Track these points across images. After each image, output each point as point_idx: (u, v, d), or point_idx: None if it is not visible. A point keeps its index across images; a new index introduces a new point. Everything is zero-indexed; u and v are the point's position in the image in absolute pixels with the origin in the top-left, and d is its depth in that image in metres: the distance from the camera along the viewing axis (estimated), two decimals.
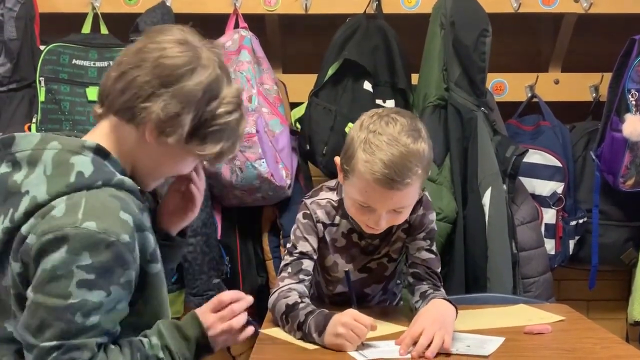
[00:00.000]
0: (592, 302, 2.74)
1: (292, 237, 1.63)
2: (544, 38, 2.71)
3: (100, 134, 1.20)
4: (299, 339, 1.44)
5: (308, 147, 2.37)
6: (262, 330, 1.50)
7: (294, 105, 2.52)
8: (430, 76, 2.37)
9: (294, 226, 1.64)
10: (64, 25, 2.44)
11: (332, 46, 2.39)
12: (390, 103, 2.38)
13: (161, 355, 1.17)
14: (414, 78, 2.44)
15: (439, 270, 1.65)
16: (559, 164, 2.44)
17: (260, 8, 2.49)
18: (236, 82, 1.25)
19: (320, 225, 1.62)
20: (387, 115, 1.48)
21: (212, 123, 1.19)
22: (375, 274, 1.69)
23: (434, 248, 1.64)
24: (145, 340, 1.18)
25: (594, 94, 2.61)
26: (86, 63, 2.32)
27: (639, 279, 2.55)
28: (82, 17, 2.42)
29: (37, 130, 2.27)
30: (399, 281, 1.80)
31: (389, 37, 2.39)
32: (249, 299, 1.26)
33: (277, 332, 1.48)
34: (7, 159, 1.15)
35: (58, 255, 1.06)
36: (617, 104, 2.40)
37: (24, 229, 1.09)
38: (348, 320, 1.37)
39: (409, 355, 1.33)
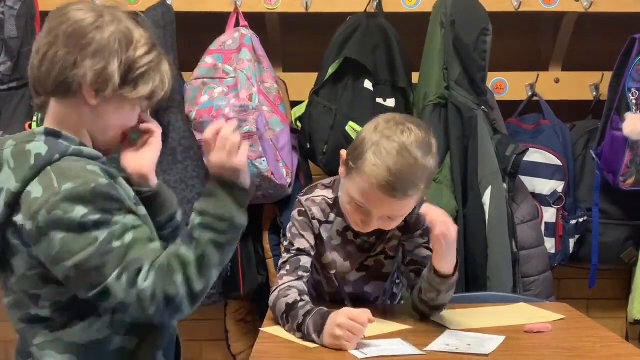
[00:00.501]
0: (592, 301, 2.74)
1: (288, 234, 1.64)
2: (545, 37, 2.71)
3: (48, 119, 1.27)
4: (299, 338, 1.45)
5: (308, 146, 2.37)
6: (262, 329, 1.50)
7: (294, 104, 2.52)
8: (430, 75, 2.37)
9: (290, 224, 1.65)
10: None
11: (333, 45, 2.39)
12: (391, 102, 2.38)
13: (198, 220, 1.19)
14: (415, 77, 2.44)
15: None
16: (559, 162, 2.44)
17: (261, 6, 2.49)
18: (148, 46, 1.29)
19: (315, 222, 1.63)
20: (404, 123, 1.49)
21: (137, 66, 1.25)
22: (373, 272, 1.69)
23: (430, 245, 1.64)
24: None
25: (595, 93, 2.61)
26: None
27: (639, 278, 2.56)
28: None
29: None
30: (398, 280, 1.80)
31: (389, 36, 2.39)
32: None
33: (278, 331, 1.48)
34: None
35: (61, 222, 1.13)
36: (618, 102, 2.40)
37: (17, 220, 1.17)
38: (343, 321, 1.38)
39: (411, 353, 1.33)
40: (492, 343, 1.38)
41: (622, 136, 2.34)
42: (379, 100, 2.37)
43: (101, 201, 1.15)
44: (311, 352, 1.36)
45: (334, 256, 1.66)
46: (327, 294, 1.73)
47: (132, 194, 1.26)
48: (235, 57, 2.32)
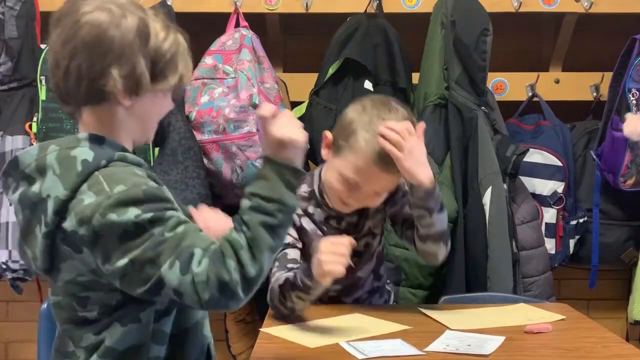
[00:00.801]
0: (592, 301, 2.74)
1: None
2: (545, 37, 2.71)
3: (87, 125, 1.25)
4: (300, 303, 1.50)
5: (308, 146, 2.36)
6: (262, 329, 1.50)
7: (294, 104, 2.52)
8: (430, 75, 2.37)
9: None
10: None
11: (333, 45, 2.39)
12: None
13: (247, 204, 1.17)
14: (415, 77, 2.44)
15: None
16: (559, 163, 2.44)
17: (261, 7, 2.49)
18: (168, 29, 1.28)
19: (294, 215, 1.62)
20: (389, 103, 1.57)
21: (161, 57, 1.23)
22: (364, 255, 1.70)
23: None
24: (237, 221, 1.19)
25: (595, 94, 2.61)
26: None
27: (639, 279, 2.56)
28: None
29: (38, 129, 2.27)
30: (388, 281, 1.80)
31: (389, 36, 2.39)
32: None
33: (278, 331, 1.48)
34: (21, 178, 1.22)
35: (116, 224, 1.13)
36: (618, 103, 2.40)
37: (67, 227, 1.16)
38: (324, 247, 1.41)
39: (411, 353, 1.33)
40: (492, 344, 1.38)
41: (623, 137, 2.34)
42: None
43: (153, 202, 1.15)
44: (311, 352, 1.36)
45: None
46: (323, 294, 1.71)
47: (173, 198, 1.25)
48: (236, 57, 2.32)
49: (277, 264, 1.61)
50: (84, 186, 1.17)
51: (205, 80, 2.34)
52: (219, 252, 1.13)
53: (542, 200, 2.43)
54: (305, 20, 2.57)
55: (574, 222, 2.47)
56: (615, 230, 2.52)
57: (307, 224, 1.66)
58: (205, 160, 2.30)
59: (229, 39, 2.39)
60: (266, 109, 1.24)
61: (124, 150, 1.24)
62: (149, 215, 1.14)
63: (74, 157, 1.19)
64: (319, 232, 1.66)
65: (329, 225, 1.67)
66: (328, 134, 1.60)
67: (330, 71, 2.37)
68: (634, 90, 2.36)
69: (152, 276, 1.13)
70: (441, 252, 1.64)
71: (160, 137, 2.33)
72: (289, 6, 2.49)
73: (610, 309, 2.75)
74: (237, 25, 2.43)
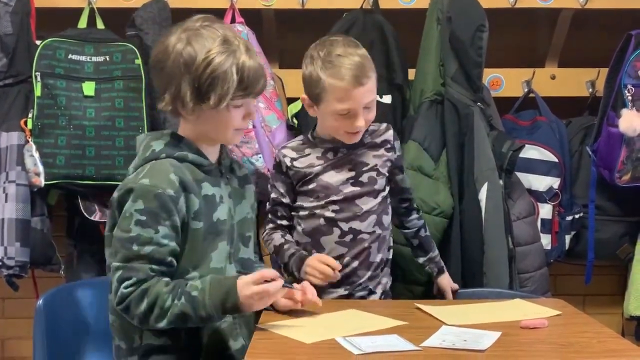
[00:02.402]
0: (588, 297, 2.75)
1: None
2: (541, 33, 2.71)
3: (180, 126, 1.59)
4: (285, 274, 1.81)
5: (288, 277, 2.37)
6: (259, 326, 1.50)
7: (290, 101, 2.51)
8: (426, 71, 2.37)
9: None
10: (60, 20, 2.43)
11: None
12: (387, 98, 2.38)
13: (194, 293, 1.43)
14: (411, 73, 2.44)
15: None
16: (555, 159, 2.45)
17: (257, 3, 2.48)
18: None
19: (286, 160, 1.86)
20: (326, 40, 1.82)
21: (201, 81, 1.48)
22: (366, 187, 1.86)
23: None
24: (189, 281, 1.47)
25: (591, 89, 2.61)
26: (82, 58, 2.31)
27: (635, 274, 2.56)
28: (78, 11, 2.41)
29: (34, 125, 2.26)
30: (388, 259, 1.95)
31: (385, 32, 2.39)
32: (281, 282, 1.47)
33: (275, 327, 1.48)
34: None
35: (127, 202, 1.46)
36: (614, 99, 2.40)
37: None
38: (312, 263, 1.76)
39: (407, 348, 1.34)
40: (488, 339, 1.38)
41: (618, 132, 2.35)
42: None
43: (156, 206, 1.44)
44: (307, 347, 1.36)
45: (322, 179, 1.84)
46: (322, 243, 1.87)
47: (197, 207, 1.50)
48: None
49: (269, 216, 1.91)
50: (140, 168, 1.50)
51: None
52: (144, 293, 1.43)
53: (538, 196, 2.43)
54: (301, 16, 2.57)
55: (569, 218, 2.48)
56: (611, 226, 2.53)
57: (300, 163, 1.86)
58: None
59: None
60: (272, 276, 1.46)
61: (197, 152, 1.53)
62: (141, 218, 1.44)
63: (150, 146, 1.54)
64: (316, 168, 1.85)
65: (325, 158, 1.86)
66: (304, 97, 1.83)
67: None
68: (629, 86, 2.36)
69: (111, 260, 1.48)
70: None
71: None
72: (285, 2, 2.49)
73: (606, 305, 2.76)
74: (233, 21, 2.43)
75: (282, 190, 1.88)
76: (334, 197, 1.84)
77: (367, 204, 1.86)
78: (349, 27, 2.38)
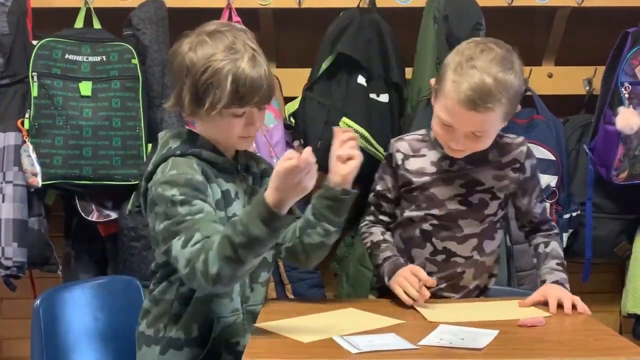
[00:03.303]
0: (586, 294, 2.71)
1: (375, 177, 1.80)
2: (538, 32, 2.72)
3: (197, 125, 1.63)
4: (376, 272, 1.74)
5: (302, 142, 2.37)
6: (256, 325, 1.50)
7: (287, 100, 2.51)
8: (424, 70, 2.37)
9: None
10: (57, 20, 2.44)
11: (326, 40, 2.39)
12: (384, 97, 2.38)
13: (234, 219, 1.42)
14: (408, 72, 2.44)
15: (548, 215, 1.82)
16: (552, 157, 2.45)
17: (254, 2, 2.49)
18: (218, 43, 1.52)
19: (397, 157, 1.73)
20: (485, 43, 1.61)
21: (198, 87, 1.50)
22: (474, 209, 1.71)
23: (542, 194, 1.79)
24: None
25: (588, 88, 2.61)
26: (79, 58, 2.31)
27: (633, 272, 2.56)
28: (74, 11, 2.41)
29: (30, 125, 2.26)
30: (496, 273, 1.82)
31: (382, 31, 2.39)
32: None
33: (272, 326, 1.48)
34: None
35: (161, 197, 1.48)
36: (611, 97, 2.41)
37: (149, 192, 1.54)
38: (405, 274, 1.62)
39: (404, 347, 1.34)
40: (486, 337, 1.38)
41: (615, 130, 2.35)
42: (372, 95, 2.37)
43: (189, 188, 1.46)
44: (305, 347, 1.36)
45: (431, 190, 1.70)
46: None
47: (218, 197, 1.53)
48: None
49: (371, 208, 1.80)
50: (161, 165, 1.52)
51: None
52: (202, 246, 1.40)
53: None
54: (298, 16, 2.57)
55: (567, 216, 2.48)
56: (608, 224, 2.53)
57: (412, 164, 1.73)
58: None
59: None
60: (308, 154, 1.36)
61: (212, 149, 1.56)
62: (181, 197, 1.45)
63: (167, 143, 1.57)
64: (427, 171, 1.71)
65: (440, 166, 1.71)
66: (432, 81, 1.67)
67: (324, 66, 2.36)
68: (626, 84, 2.36)
69: (167, 243, 1.44)
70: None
71: (153, 133, 2.33)
72: (281, 1, 2.49)
73: (603, 302, 2.75)
74: (230, 20, 2.43)
75: (389, 185, 1.76)
76: (436, 211, 1.71)
77: (469, 226, 1.71)
78: (345, 26, 2.38)
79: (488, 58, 1.55)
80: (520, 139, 1.74)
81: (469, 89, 1.52)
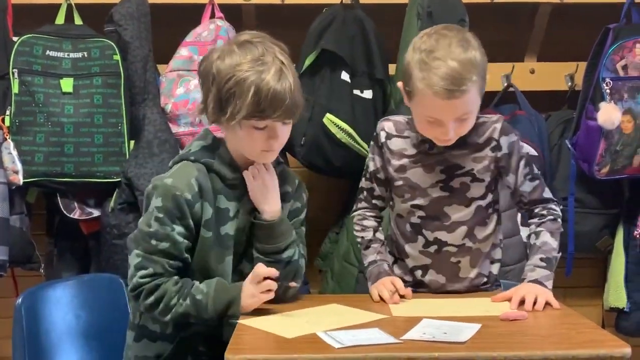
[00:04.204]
0: (568, 289, 2.77)
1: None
2: (520, 28, 2.73)
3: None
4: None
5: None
6: (240, 321, 1.50)
7: None
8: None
9: None
10: (38, 16, 2.41)
11: (309, 36, 2.38)
12: (368, 93, 2.38)
13: (199, 297, 1.52)
14: (392, 68, 2.44)
15: (546, 195, 1.71)
16: (534, 152, 2.46)
17: None
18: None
19: (382, 135, 1.73)
20: (436, 32, 1.60)
21: (220, 96, 1.52)
22: (457, 194, 1.69)
23: (535, 171, 1.71)
24: (196, 283, 1.55)
25: (570, 83, 2.63)
26: (60, 54, 2.29)
27: (614, 266, 2.59)
28: (55, 8, 2.39)
29: (11, 122, 2.24)
30: (498, 258, 1.80)
31: (366, 27, 2.39)
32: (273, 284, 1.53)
33: (256, 322, 1.48)
34: None
35: (152, 198, 1.56)
36: (592, 92, 2.42)
37: None
38: (385, 283, 1.66)
39: (387, 342, 1.34)
40: (469, 331, 1.39)
41: (597, 126, 2.37)
42: (356, 91, 2.37)
43: (173, 206, 1.52)
44: (288, 343, 1.36)
45: (412, 173, 1.70)
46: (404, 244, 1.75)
47: (209, 217, 1.56)
48: (211, 49, 2.31)
49: (364, 193, 1.78)
50: (174, 166, 1.60)
51: (181, 72, 2.33)
52: (155, 286, 1.52)
53: None
54: (281, 12, 2.56)
55: None
56: (590, 219, 2.55)
57: (394, 144, 1.72)
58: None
59: (204, 30, 2.37)
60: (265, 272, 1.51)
61: (228, 162, 1.58)
62: (160, 214, 1.52)
63: (191, 145, 1.63)
64: (407, 152, 1.71)
65: (421, 149, 1.70)
66: (400, 84, 1.66)
67: (307, 62, 2.36)
68: (607, 80, 2.38)
69: (133, 244, 1.57)
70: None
71: (136, 130, 2.32)
72: None
73: (586, 297, 2.78)
74: (213, 16, 2.42)
75: (378, 165, 1.75)
76: (420, 201, 1.70)
77: (456, 213, 1.69)
78: (329, 22, 2.38)
79: (446, 44, 1.56)
80: (496, 117, 1.72)
81: (440, 80, 1.53)
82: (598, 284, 2.73)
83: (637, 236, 2.42)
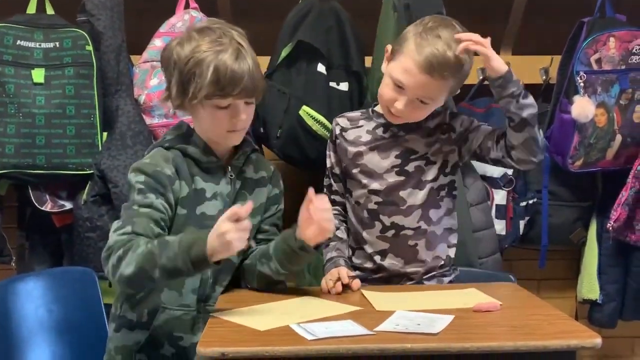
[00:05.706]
0: (542, 281, 2.79)
1: None
2: (495, 21, 2.73)
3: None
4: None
5: (262, 130, 2.35)
6: (212, 315, 1.49)
7: None
8: (384, 59, 2.36)
9: None
10: (8, 5, 2.37)
11: (285, 28, 2.36)
12: (344, 86, 2.38)
13: (167, 238, 1.50)
14: (368, 61, 2.43)
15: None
16: None
17: None
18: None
19: (336, 129, 1.83)
20: (449, 21, 1.71)
21: (181, 78, 1.58)
22: (411, 177, 1.76)
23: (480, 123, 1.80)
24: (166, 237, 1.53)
25: (544, 77, 2.64)
26: (31, 44, 2.25)
27: (587, 258, 2.61)
28: None
29: None
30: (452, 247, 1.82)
31: (342, 19, 2.37)
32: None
33: (229, 315, 1.47)
34: None
35: (130, 180, 1.60)
36: (566, 86, 2.44)
37: None
38: (333, 273, 1.70)
39: (360, 333, 1.34)
40: (441, 322, 1.39)
41: (571, 119, 2.38)
42: (332, 84, 2.35)
43: (152, 179, 1.57)
44: (261, 335, 1.35)
45: (368, 158, 1.77)
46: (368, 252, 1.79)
47: (184, 195, 1.60)
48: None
49: (324, 191, 1.83)
50: (148, 154, 1.65)
51: (154, 62, 2.29)
52: (128, 241, 1.49)
53: (492, 182, 2.46)
54: (256, 2, 2.54)
55: (523, 204, 2.51)
56: (564, 211, 2.57)
57: (349, 135, 1.82)
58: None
59: (178, 21, 2.35)
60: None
61: (202, 147, 1.63)
62: (140, 186, 1.56)
63: (166, 134, 1.68)
64: (362, 139, 1.79)
65: (374, 133, 1.79)
66: (388, 47, 1.74)
67: (283, 54, 2.34)
68: (581, 73, 2.39)
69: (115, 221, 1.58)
70: (539, 138, 1.69)
71: (109, 121, 2.29)
72: None
73: (560, 288, 2.81)
74: (187, 6, 2.40)
75: (333, 161, 1.85)
76: (377, 186, 1.76)
77: (411, 196, 1.75)
78: (305, 14, 2.36)
79: (453, 33, 1.65)
80: (445, 107, 1.81)
81: (431, 53, 1.62)
82: (571, 276, 2.75)
83: (610, 229, 2.44)
